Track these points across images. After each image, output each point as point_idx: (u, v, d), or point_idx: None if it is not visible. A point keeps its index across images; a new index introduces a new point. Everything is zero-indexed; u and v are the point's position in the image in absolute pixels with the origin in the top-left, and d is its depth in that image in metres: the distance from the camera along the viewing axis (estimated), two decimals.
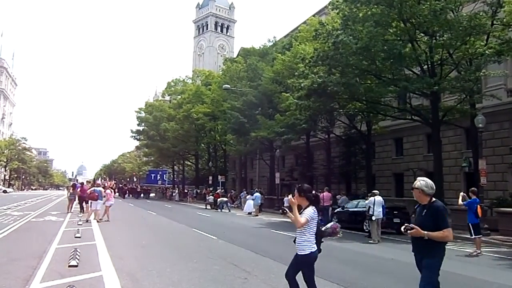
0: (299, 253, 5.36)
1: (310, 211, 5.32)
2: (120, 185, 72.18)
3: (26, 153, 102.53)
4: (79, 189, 24.26)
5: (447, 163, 24.73)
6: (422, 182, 4.90)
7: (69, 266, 8.61)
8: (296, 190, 5.59)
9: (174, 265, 9.35)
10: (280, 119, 31.50)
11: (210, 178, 52.47)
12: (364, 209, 16.39)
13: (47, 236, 13.55)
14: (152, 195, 65.44)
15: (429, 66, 20.62)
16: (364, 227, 17.32)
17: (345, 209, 20.64)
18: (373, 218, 15.05)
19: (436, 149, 21.62)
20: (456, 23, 18.10)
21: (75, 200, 25.18)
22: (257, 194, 30.25)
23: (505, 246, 14.52)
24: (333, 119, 32.08)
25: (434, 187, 4.87)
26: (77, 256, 9.30)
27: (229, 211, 32.46)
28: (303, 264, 5.38)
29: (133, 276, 8.04)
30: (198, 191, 53.84)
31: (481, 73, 19.43)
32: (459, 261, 11.43)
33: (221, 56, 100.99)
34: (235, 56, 59.79)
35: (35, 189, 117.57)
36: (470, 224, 12.64)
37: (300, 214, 5.28)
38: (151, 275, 8.05)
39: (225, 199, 34.52)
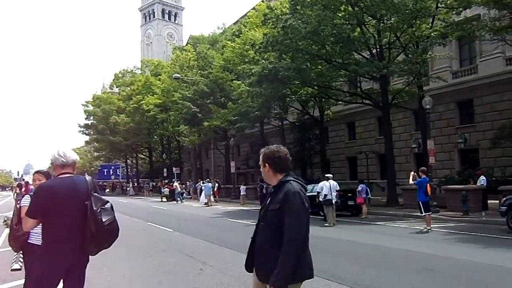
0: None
1: None
2: None
3: None
4: (23, 189, 23.07)
5: (398, 145, 25.41)
6: (54, 151, 3.59)
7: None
8: None
9: (127, 261, 8.97)
10: (233, 107, 31.18)
11: (165, 170, 51.59)
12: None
13: None
14: (107, 190, 63.63)
15: (378, 49, 20.96)
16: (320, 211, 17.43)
17: None
18: (333, 201, 15.13)
19: (387, 132, 22.12)
20: (403, 6, 18.38)
21: None
22: (207, 184, 30.01)
23: (452, 222, 15.09)
24: (286, 105, 32.13)
25: (66, 155, 3.58)
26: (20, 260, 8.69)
27: (182, 201, 32.27)
28: None
29: None
30: (154, 184, 52.78)
31: (427, 56, 19.96)
32: (411, 238, 11.73)
33: (170, 44, 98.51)
34: (184, 44, 58.60)
35: None
36: (420, 202, 12.97)
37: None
38: (102, 273, 7.63)
39: (179, 189, 34.24)
